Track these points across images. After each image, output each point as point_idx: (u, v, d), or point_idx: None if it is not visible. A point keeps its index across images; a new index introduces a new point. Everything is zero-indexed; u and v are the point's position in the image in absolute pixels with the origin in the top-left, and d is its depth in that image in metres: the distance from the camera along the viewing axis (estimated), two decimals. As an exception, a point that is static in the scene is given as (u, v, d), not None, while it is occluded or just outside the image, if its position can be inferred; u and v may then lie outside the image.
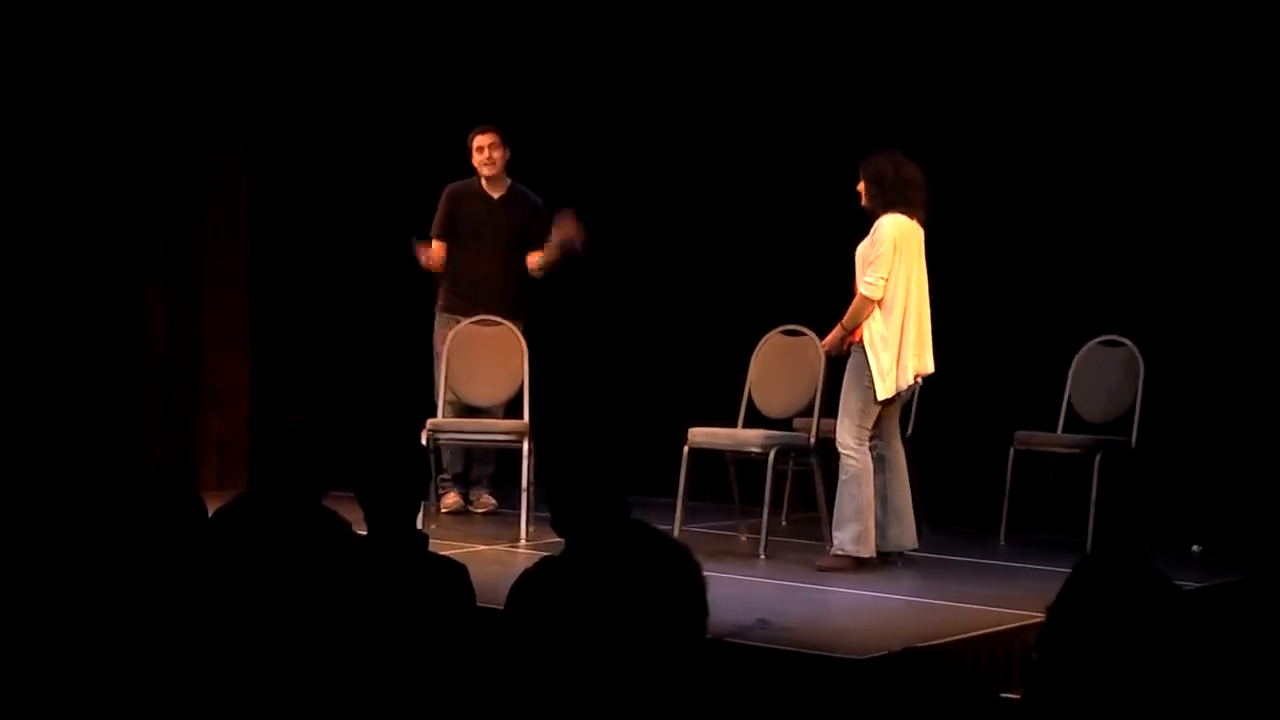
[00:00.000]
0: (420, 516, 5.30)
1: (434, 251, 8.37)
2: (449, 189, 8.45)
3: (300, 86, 9.50)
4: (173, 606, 3.61)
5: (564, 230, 8.21)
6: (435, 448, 7.92)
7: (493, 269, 8.32)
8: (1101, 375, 7.87)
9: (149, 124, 8.76)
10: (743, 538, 7.78)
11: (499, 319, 8.16)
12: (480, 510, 8.41)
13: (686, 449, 7.58)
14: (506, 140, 8.34)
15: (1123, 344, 7.80)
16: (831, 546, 7.03)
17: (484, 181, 8.38)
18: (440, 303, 8.48)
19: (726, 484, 8.19)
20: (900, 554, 7.09)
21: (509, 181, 8.40)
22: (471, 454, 8.45)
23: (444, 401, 8.15)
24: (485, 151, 8.31)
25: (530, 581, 4.08)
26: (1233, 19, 7.77)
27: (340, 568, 4.12)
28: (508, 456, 8.01)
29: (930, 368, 7.07)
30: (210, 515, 4.34)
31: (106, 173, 8.65)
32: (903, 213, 6.97)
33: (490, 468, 8.48)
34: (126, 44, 8.65)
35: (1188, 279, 7.92)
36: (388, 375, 9.38)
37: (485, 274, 8.32)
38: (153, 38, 8.73)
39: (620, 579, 3.36)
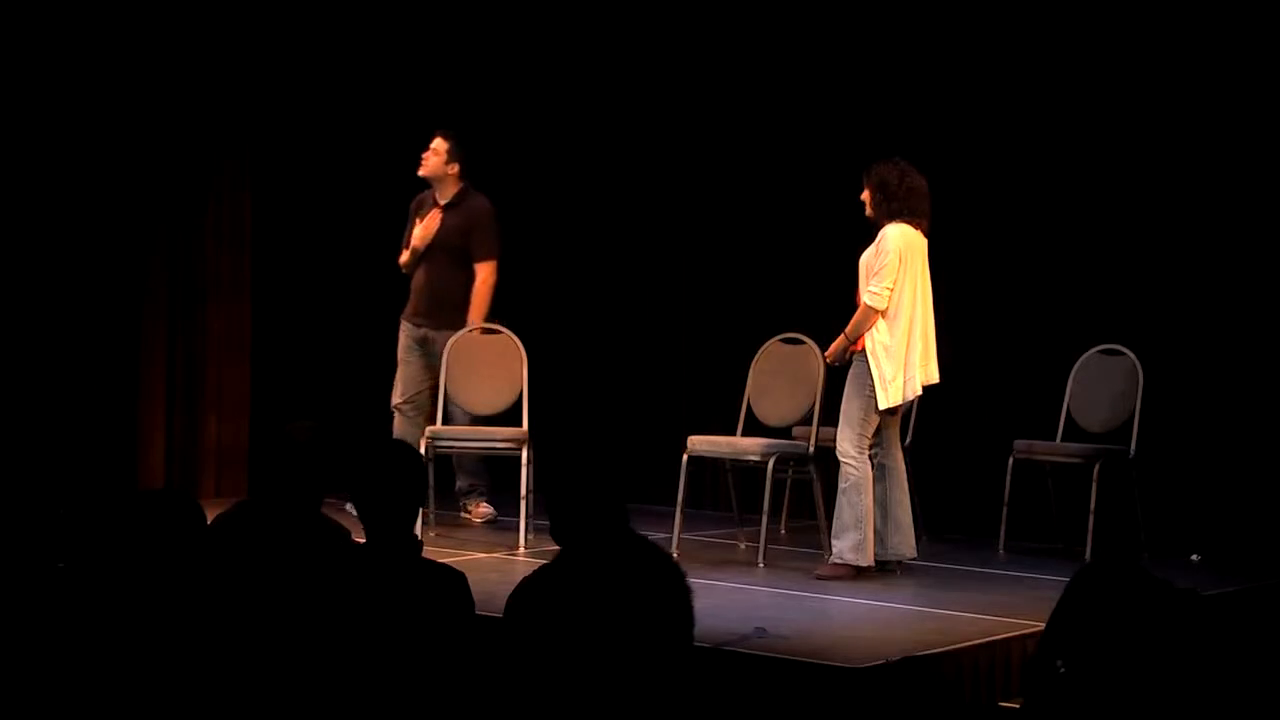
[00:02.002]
0: (419, 524, 5.30)
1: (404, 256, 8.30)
2: (416, 197, 8.41)
3: (302, 94, 9.50)
4: (171, 614, 3.61)
5: None
6: (433, 456, 7.89)
7: (428, 275, 8.23)
8: (1101, 384, 7.86)
9: (151, 131, 8.76)
10: (742, 546, 7.79)
11: (497, 328, 8.14)
12: (479, 519, 8.39)
13: (686, 457, 7.57)
14: (459, 146, 8.17)
15: (1122, 353, 7.80)
16: (830, 555, 7.03)
17: (435, 188, 8.30)
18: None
19: (725, 492, 8.20)
20: (899, 563, 7.09)
21: (459, 186, 8.22)
22: (462, 464, 8.42)
23: (396, 404, 8.22)
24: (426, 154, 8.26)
25: (527, 590, 4.08)
26: (1231, 29, 7.78)
27: (339, 575, 4.11)
28: (506, 465, 8.00)
29: (936, 378, 7.07)
30: (210, 521, 4.34)
31: (108, 180, 8.64)
32: (907, 222, 6.96)
33: (485, 478, 8.45)
34: (128, 52, 8.65)
35: (1187, 288, 7.92)
36: (387, 383, 9.36)
37: (423, 280, 8.25)
38: (154, 46, 8.73)
39: (609, 590, 3.36)
